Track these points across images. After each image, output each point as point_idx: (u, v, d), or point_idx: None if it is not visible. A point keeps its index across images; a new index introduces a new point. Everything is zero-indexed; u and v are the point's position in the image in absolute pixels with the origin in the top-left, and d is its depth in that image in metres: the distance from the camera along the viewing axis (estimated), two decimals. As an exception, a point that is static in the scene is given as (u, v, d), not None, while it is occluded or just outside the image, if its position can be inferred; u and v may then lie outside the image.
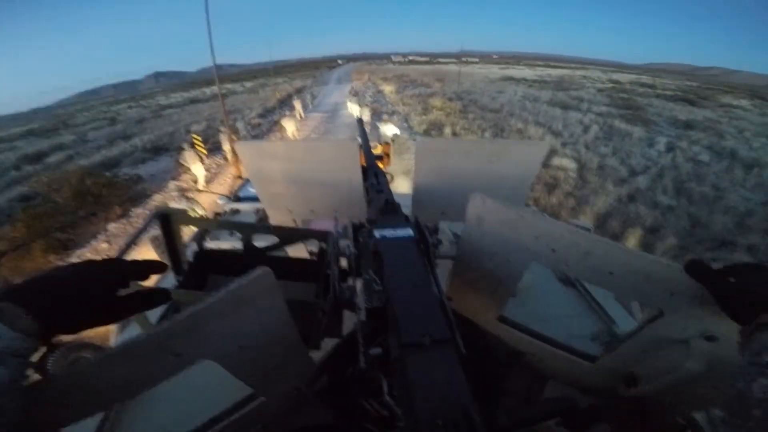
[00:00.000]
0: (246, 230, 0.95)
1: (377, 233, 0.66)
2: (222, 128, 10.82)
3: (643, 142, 13.35)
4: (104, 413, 0.90)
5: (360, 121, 1.92)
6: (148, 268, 0.56)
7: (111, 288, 0.50)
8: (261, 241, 0.96)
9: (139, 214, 8.70)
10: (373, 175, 1.11)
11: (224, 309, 0.50)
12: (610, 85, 40.70)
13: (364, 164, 1.18)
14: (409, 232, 0.67)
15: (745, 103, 31.96)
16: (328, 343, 0.76)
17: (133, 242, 0.83)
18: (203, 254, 0.96)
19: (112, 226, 8.11)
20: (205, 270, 0.95)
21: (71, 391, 0.46)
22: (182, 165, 9.79)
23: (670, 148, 12.58)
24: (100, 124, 30.35)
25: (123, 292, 0.52)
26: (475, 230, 0.74)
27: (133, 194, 9.92)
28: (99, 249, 7.28)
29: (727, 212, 7.87)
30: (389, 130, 9.74)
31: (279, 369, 0.66)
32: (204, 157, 10.04)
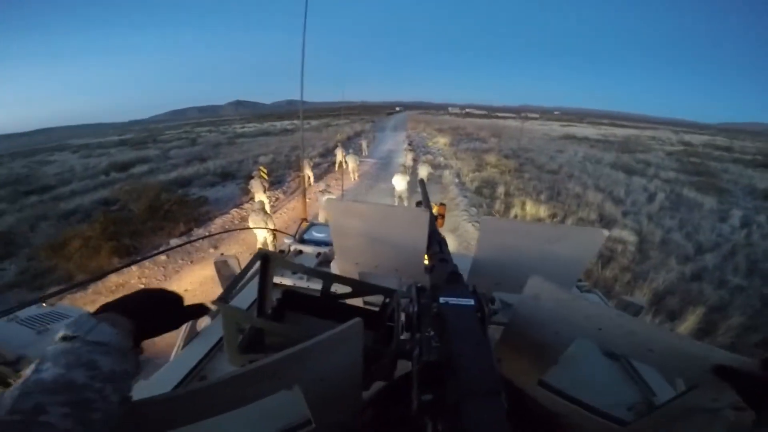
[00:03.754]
0: (327, 279, 1.08)
1: (442, 299, 0.75)
2: (304, 157, 13.32)
3: (715, 215, 12.15)
4: None
5: (422, 183, 2.04)
6: (198, 310, 0.76)
7: (177, 307, 0.70)
8: (333, 287, 1.10)
9: (200, 233, 9.38)
10: (437, 243, 1.20)
11: (323, 347, 0.63)
12: (681, 147, 37.83)
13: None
14: (470, 301, 0.75)
15: (838, 170, 28.17)
16: (376, 385, 0.86)
17: (243, 277, 0.94)
18: (288, 294, 1.12)
19: (173, 241, 8.75)
20: (285, 306, 1.10)
21: (191, 403, 0.60)
22: (247, 192, 10.86)
23: (745, 223, 11.32)
24: (182, 143, 33.33)
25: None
26: (530, 304, 0.83)
27: (197, 215, 10.81)
28: (157, 260, 7.81)
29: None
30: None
31: (337, 401, 0.77)
32: (266, 188, 10.81)
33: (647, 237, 9.67)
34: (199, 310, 0.76)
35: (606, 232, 1.16)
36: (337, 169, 15.89)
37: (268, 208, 10.27)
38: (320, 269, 1.19)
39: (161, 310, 0.65)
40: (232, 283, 0.89)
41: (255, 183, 10.03)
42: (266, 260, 1.01)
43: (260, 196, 9.90)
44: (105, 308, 0.57)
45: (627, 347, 0.75)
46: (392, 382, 0.84)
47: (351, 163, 15.04)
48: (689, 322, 5.83)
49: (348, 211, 1.26)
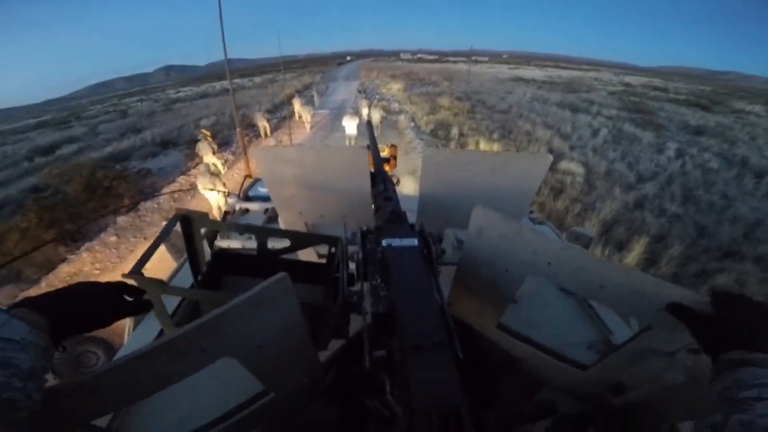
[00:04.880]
0: (261, 234, 0.98)
1: (384, 242, 0.69)
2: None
3: (653, 148, 13.24)
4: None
5: (369, 124, 1.92)
6: (137, 306, 0.68)
7: (108, 302, 0.62)
8: (275, 243, 1.00)
9: (148, 207, 8.79)
10: (381, 182, 1.14)
11: (246, 310, 0.54)
12: (622, 87, 39.80)
13: (372, 169, 1.21)
14: (414, 241, 0.70)
15: (758, 108, 30.74)
16: (335, 344, 0.80)
17: (159, 244, 0.83)
18: (220, 255, 1.01)
19: (120, 219, 8.19)
20: (221, 270, 0.99)
21: (107, 386, 0.51)
22: (194, 157, 10.46)
23: (679, 154, 12.45)
24: (111, 116, 30.25)
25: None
26: (476, 241, 0.77)
27: (142, 188, 10.09)
28: (107, 242, 7.39)
29: (735, 222, 7.74)
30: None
31: (289, 367, 0.70)
32: (215, 150, 10.23)
33: (593, 168, 10.29)
34: (141, 306, 0.69)
35: (551, 157, 1.12)
36: (297, 119, 15.45)
37: (220, 169, 9.85)
38: (257, 225, 1.08)
39: (85, 307, 0.59)
40: (147, 250, 0.78)
41: (202, 145, 9.55)
42: (187, 221, 0.89)
43: (209, 158, 9.50)
44: (22, 304, 0.52)
45: (577, 284, 0.71)
46: (351, 339, 0.79)
47: (305, 114, 14.83)
48: (635, 251, 6.27)
49: (280, 159, 1.14)
